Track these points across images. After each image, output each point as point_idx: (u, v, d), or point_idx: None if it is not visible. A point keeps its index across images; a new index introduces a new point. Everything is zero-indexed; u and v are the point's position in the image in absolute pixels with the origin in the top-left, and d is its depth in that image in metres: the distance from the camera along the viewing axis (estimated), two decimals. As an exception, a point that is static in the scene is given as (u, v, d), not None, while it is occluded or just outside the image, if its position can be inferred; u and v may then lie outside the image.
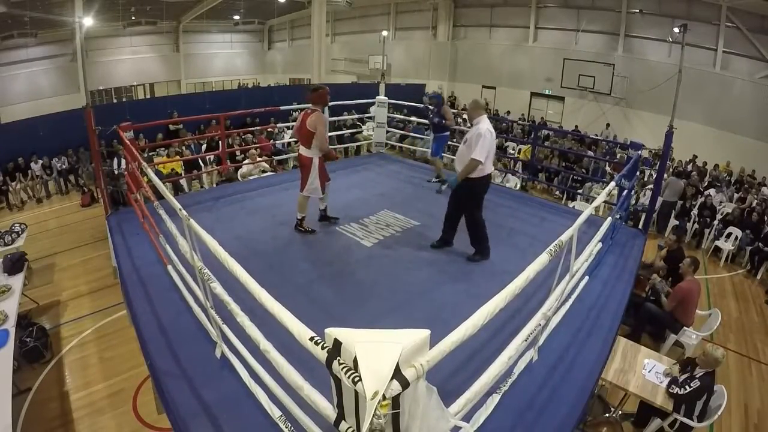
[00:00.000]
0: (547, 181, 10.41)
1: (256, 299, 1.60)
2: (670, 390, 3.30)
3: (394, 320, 3.10)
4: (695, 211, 8.41)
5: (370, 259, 4.03)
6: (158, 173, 7.32)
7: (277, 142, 9.88)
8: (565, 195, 9.58)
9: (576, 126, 14.57)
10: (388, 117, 7.70)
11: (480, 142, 3.65)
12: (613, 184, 4.03)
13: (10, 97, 15.24)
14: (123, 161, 6.24)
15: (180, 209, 2.35)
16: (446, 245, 4.24)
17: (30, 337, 4.42)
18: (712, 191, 9.34)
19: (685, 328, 4.53)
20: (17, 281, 4.68)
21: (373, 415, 1.02)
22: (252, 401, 2.29)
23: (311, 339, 1.29)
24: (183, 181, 8.23)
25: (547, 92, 16.05)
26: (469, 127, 4.05)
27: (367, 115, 8.93)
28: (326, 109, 4.76)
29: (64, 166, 9.83)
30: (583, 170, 9.86)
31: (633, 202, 6.99)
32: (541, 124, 14.88)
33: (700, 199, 8.69)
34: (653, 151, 11.10)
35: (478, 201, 3.98)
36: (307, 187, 4.26)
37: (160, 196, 2.98)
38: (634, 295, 4.41)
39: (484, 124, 3.73)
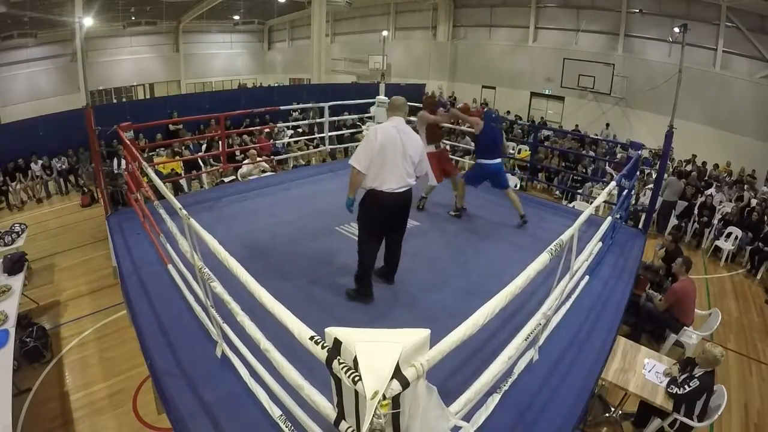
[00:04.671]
0: (547, 181, 10.41)
1: (256, 299, 1.60)
2: (669, 390, 3.30)
3: (394, 320, 3.11)
4: (695, 211, 8.41)
5: (370, 259, 4.02)
6: (158, 173, 7.32)
7: (277, 142, 9.86)
8: (565, 195, 9.58)
9: (576, 126, 14.57)
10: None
11: (362, 145, 2.93)
12: (613, 183, 4.04)
13: (10, 97, 15.23)
14: (123, 161, 6.24)
15: (180, 209, 2.35)
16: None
17: (30, 337, 4.42)
18: (712, 191, 9.34)
19: (685, 327, 4.53)
20: (17, 281, 4.69)
21: (373, 415, 1.02)
22: (252, 401, 2.28)
23: (311, 338, 1.29)
24: (183, 181, 8.23)
25: (547, 92, 16.03)
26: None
27: (367, 115, 8.91)
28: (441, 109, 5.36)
29: (64, 167, 9.83)
30: (584, 170, 9.85)
31: (633, 201, 6.99)
32: (541, 124, 14.88)
33: (700, 199, 8.69)
34: (653, 151, 11.11)
35: (371, 229, 3.12)
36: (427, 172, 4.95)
37: (160, 196, 2.98)
38: (634, 295, 4.41)
39: (389, 124, 3.02)
